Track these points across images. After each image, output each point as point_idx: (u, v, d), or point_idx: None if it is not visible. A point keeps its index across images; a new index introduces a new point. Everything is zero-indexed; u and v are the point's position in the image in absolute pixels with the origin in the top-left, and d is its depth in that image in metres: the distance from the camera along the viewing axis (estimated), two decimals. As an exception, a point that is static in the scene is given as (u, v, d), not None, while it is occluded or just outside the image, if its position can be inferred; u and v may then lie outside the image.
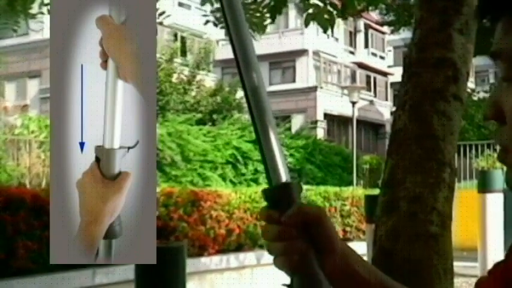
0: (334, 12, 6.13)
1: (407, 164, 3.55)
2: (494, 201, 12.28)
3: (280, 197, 1.03)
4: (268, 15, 6.12)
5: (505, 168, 0.88)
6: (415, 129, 3.57)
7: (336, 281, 1.04)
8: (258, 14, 6.10)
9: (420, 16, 3.79)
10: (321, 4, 6.07)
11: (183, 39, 31.23)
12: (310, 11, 6.13)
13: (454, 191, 3.61)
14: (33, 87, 30.45)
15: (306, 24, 6.31)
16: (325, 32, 6.37)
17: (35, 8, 7.44)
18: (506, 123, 0.84)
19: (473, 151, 17.22)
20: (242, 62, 1.04)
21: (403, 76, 3.76)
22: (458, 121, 3.66)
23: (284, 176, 1.04)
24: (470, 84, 28.33)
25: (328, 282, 1.03)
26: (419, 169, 3.51)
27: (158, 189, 10.05)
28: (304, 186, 12.79)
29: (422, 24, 3.76)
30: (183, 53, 29.89)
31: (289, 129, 25.69)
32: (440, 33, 3.66)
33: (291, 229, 1.02)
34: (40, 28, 19.74)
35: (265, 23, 6.39)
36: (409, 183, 3.49)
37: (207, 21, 6.75)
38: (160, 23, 6.77)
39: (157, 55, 25.43)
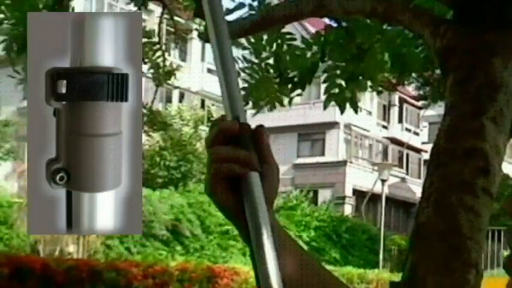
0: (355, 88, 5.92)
1: (429, 263, 3.25)
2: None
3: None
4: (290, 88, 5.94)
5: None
6: (440, 225, 3.27)
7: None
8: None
9: (451, 102, 3.53)
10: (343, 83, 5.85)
11: (208, 106, 31.19)
12: (337, 90, 5.90)
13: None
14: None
15: (325, 106, 6.11)
16: (342, 113, 6.23)
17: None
18: None
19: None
20: None
21: (428, 166, 3.48)
22: (487, 217, 3.36)
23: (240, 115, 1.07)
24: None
25: None
26: (442, 269, 3.20)
27: (173, 264, 9.72)
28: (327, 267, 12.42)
29: (453, 111, 3.50)
30: (209, 120, 29.86)
31: (316, 203, 25.28)
32: (472, 121, 3.39)
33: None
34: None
35: (293, 94, 6.20)
36: (430, 285, 3.18)
37: None
38: (176, 87, 6.61)
39: (183, 122, 25.33)
